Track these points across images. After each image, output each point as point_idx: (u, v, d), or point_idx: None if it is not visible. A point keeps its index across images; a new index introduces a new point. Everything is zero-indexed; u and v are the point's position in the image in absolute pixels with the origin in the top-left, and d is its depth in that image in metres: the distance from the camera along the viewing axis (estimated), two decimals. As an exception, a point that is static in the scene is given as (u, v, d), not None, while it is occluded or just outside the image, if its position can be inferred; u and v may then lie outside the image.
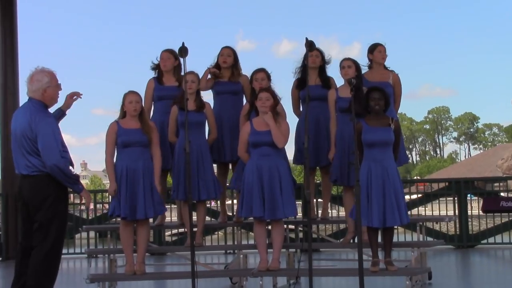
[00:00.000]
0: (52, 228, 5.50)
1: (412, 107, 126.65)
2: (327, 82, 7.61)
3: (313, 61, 7.56)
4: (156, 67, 7.72)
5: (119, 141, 6.83)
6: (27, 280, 5.42)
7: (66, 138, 5.84)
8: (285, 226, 7.36)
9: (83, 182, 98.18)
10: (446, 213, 12.46)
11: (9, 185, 11.46)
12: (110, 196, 6.95)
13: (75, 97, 6.17)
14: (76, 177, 5.68)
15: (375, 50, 7.53)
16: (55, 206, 5.53)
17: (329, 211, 8.98)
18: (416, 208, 12.36)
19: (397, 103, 7.64)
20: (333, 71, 7.68)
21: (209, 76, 7.66)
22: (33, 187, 5.46)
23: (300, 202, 11.73)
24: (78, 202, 15.14)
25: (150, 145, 6.88)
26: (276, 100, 6.89)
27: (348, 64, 7.14)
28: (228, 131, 7.58)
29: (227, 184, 8.21)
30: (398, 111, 7.83)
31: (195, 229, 7.15)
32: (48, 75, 5.67)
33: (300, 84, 7.59)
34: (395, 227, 7.07)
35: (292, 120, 7.78)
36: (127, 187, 6.76)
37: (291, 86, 7.78)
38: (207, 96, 7.71)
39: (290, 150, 7.64)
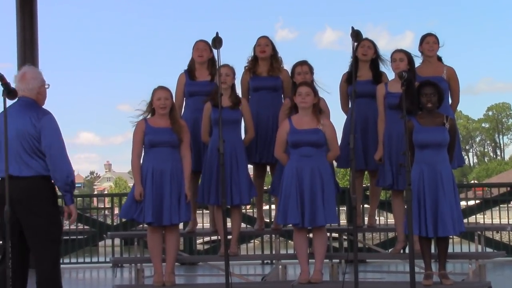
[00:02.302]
0: (54, 234, 5.61)
1: (469, 103, 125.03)
2: (379, 77, 7.57)
3: (364, 53, 7.54)
4: (190, 62, 7.75)
5: (146, 140, 6.89)
6: None
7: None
8: (328, 234, 7.36)
9: (107, 184, 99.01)
10: (508, 221, 12.29)
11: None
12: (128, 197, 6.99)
13: None
14: (74, 186, 5.76)
15: (424, 42, 7.53)
16: (53, 210, 5.62)
17: (377, 218, 8.95)
18: (474, 216, 12.23)
19: (455, 101, 7.58)
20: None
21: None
22: (28, 190, 5.49)
23: (345, 208, 11.71)
24: (102, 206, 15.35)
25: (180, 146, 6.93)
26: (317, 96, 6.89)
27: (400, 56, 7.09)
28: (267, 130, 7.59)
29: (265, 188, 8.22)
30: (454, 108, 7.76)
31: (229, 237, 7.18)
32: (41, 74, 5.87)
33: (350, 78, 7.55)
34: (450, 236, 7.01)
35: (341, 118, 7.79)
36: (153, 190, 6.81)
37: (335, 79, 7.79)
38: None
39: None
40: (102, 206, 16.17)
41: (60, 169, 5.54)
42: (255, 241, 13.69)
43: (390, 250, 8.53)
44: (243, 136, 7.44)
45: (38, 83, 5.76)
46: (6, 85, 5.12)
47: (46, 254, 5.55)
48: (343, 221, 11.76)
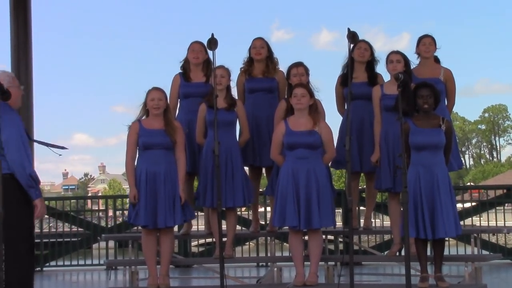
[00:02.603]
0: (24, 235, 5.60)
1: (466, 105, 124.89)
2: (374, 79, 7.59)
3: (361, 54, 7.57)
4: (185, 63, 7.75)
5: (140, 142, 6.89)
6: None
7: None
8: (323, 236, 7.36)
9: (101, 186, 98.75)
10: (504, 223, 12.32)
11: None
12: (128, 202, 7.01)
13: None
14: (38, 180, 5.73)
15: (420, 43, 7.55)
16: (23, 210, 5.58)
17: (372, 220, 8.97)
18: (470, 218, 12.25)
19: (451, 102, 7.61)
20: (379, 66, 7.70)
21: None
22: None
23: (340, 210, 11.72)
24: (96, 208, 15.35)
25: (174, 148, 6.93)
26: (313, 97, 6.90)
27: (397, 58, 7.12)
28: (263, 132, 7.59)
29: (260, 190, 8.21)
30: (450, 109, 7.79)
31: (224, 239, 7.18)
32: (9, 75, 5.90)
33: (345, 80, 7.57)
34: (447, 238, 7.03)
35: (336, 120, 7.80)
36: (147, 192, 6.81)
37: (332, 81, 7.81)
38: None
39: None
40: (96, 208, 16.15)
41: (16, 165, 5.49)
42: (250, 243, 13.70)
43: (386, 252, 8.51)
44: (238, 138, 7.44)
45: (5, 85, 5.77)
46: None
47: (15, 256, 5.49)
48: (339, 223, 11.75)
